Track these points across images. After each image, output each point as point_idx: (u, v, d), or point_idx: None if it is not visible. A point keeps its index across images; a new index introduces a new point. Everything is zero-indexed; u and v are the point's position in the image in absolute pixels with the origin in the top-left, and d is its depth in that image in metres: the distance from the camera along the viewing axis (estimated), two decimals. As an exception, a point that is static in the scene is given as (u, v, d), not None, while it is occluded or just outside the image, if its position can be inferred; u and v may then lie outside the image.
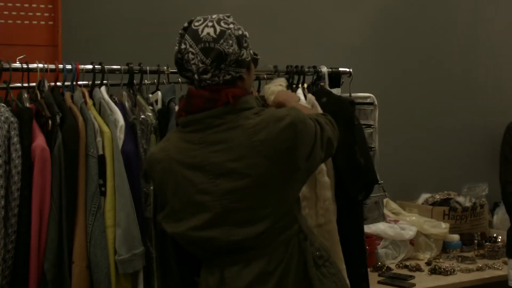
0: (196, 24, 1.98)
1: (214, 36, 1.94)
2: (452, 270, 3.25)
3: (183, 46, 1.98)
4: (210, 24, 1.96)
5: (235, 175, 1.93)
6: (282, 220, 1.98)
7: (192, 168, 1.98)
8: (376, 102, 3.04)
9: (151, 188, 2.23)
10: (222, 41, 1.94)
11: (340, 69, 3.00)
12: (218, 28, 1.95)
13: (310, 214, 2.41)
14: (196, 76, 1.97)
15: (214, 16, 1.99)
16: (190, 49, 1.96)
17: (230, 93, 1.95)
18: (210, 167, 1.95)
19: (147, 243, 2.25)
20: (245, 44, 2.00)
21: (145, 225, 2.26)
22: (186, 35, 1.98)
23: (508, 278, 2.89)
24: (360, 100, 2.98)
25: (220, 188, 1.94)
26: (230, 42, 1.95)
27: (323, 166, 2.44)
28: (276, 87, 2.50)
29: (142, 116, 2.34)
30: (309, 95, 2.79)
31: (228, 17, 2.01)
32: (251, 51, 2.05)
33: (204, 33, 1.95)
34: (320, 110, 2.48)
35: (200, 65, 1.95)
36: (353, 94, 2.97)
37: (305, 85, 2.87)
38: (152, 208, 2.25)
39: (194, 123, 1.99)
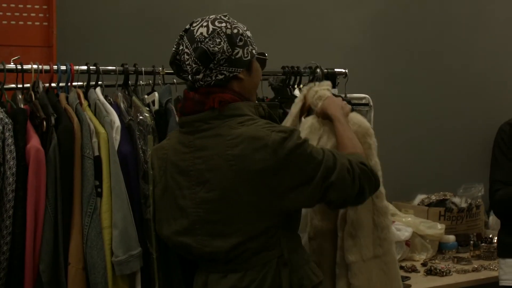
0: (194, 25, 1.97)
1: (206, 35, 1.92)
2: (447, 271, 3.25)
3: (180, 48, 1.97)
4: (205, 24, 1.94)
5: (209, 185, 1.90)
6: (255, 241, 1.90)
7: (180, 172, 1.98)
8: (371, 103, 3.04)
9: (151, 189, 2.23)
10: (207, 39, 1.91)
11: (336, 69, 3.00)
12: (211, 28, 1.92)
13: (366, 243, 2.16)
14: (190, 77, 1.96)
15: (211, 16, 1.97)
16: (186, 50, 1.95)
17: (217, 98, 1.91)
18: (194, 173, 1.93)
19: (147, 244, 2.24)
20: (240, 43, 1.94)
21: (144, 226, 2.25)
22: (185, 36, 1.97)
23: (499, 278, 2.90)
24: (356, 101, 2.98)
25: (197, 196, 1.93)
26: (218, 40, 1.91)
27: (381, 189, 2.18)
28: (323, 91, 2.26)
29: (140, 117, 2.34)
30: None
31: (225, 16, 1.98)
32: (254, 51, 2.00)
33: (198, 33, 1.93)
34: (373, 150, 2.19)
35: (193, 65, 1.94)
36: (348, 95, 2.96)
37: (301, 86, 2.87)
38: (152, 209, 2.24)
39: (186, 125, 1.99)
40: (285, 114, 2.47)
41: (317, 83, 2.36)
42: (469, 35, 4.37)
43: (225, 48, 1.91)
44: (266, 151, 1.83)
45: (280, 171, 1.84)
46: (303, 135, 2.15)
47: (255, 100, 2.08)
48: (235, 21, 1.99)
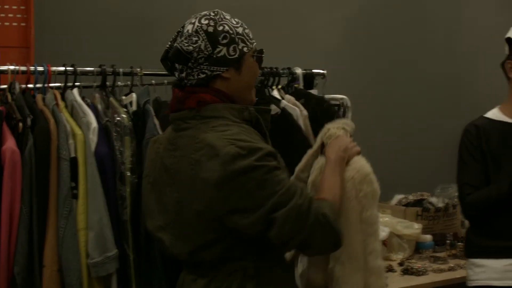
0: (187, 21, 1.91)
1: (190, 33, 1.87)
2: (424, 271, 3.25)
3: (175, 44, 1.91)
4: (193, 21, 1.89)
5: (178, 186, 1.87)
6: (209, 251, 1.85)
7: (165, 168, 1.95)
8: (349, 104, 3.06)
9: (128, 190, 2.23)
10: (183, 38, 1.86)
11: (314, 70, 3.02)
12: (196, 25, 1.87)
13: None
14: (177, 75, 1.92)
15: (203, 13, 1.90)
16: None
17: (196, 98, 1.86)
18: (172, 172, 1.90)
19: (124, 245, 2.24)
20: (224, 41, 1.85)
21: (121, 227, 2.26)
22: (180, 33, 1.91)
23: (467, 279, 2.81)
24: (333, 102, 3.00)
25: (173, 195, 1.90)
26: (194, 39, 1.85)
27: (377, 246, 1.99)
28: (336, 129, 2.06)
29: (118, 118, 2.34)
30: (288, 96, 2.80)
31: (214, 12, 1.90)
32: (245, 49, 1.89)
33: (185, 30, 1.88)
34: (370, 199, 1.99)
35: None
36: (326, 96, 2.99)
37: (279, 87, 2.88)
38: (130, 210, 2.24)
39: (172, 122, 1.96)
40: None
41: (338, 120, 2.20)
42: (446, 37, 4.41)
43: (202, 46, 1.85)
44: (216, 162, 1.74)
45: (225, 187, 1.75)
46: (313, 175, 2.07)
47: (251, 99, 1.97)
48: (227, 17, 1.91)
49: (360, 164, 2.01)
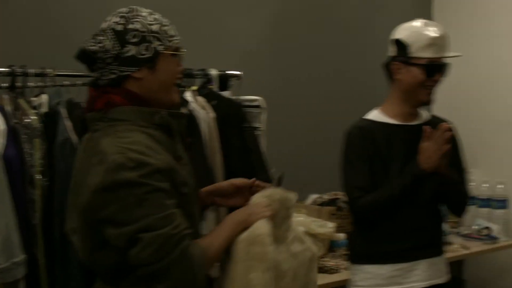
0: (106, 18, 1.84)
1: (98, 32, 1.79)
2: (337, 269, 3.32)
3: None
4: (108, 18, 1.80)
5: (80, 189, 1.76)
6: (100, 257, 1.76)
7: (78, 170, 1.84)
8: (264, 105, 3.10)
9: (38, 193, 2.19)
10: (91, 37, 1.79)
11: (229, 72, 3.04)
12: (107, 23, 1.79)
13: None
14: (93, 74, 1.83)
15: (119, 9, 1.81)
16: None
17: (106, 99, 1.77)
18: (80, 173, 1.79)
19: (34, 250, 2.20)
20: (133, 40, 1.75)
21: (31, 231, 2.21)
22: None
23: (352, 284, 2.68)
24: (247, 103, 3.04)
25: (78, 198, 1.78)
26: (100, 38, 1.77)
27: None
28: (260, 198, 1.96)
29: (27, 120, 2.29)
30: (199, 98, 2.81)
31: (128, 9, 1.81)
32: (161, 47, 1.78)
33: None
34: (257, 261, 1.85)
35: None
36: (240, 97, 3.02)
37: (194, 88, 2.89)
38: (40, 214, 2.20)
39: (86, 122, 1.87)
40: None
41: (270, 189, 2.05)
42: (362, 41, 4.52)
43: (108, 46, 1.76)
44: (100, 167, 1.65)
45: (102, 195, 1.66)
46: None
47: (171, 100, 1.86)
48: (143, 14, 1.81)
49: (258, 225, 1.89)
